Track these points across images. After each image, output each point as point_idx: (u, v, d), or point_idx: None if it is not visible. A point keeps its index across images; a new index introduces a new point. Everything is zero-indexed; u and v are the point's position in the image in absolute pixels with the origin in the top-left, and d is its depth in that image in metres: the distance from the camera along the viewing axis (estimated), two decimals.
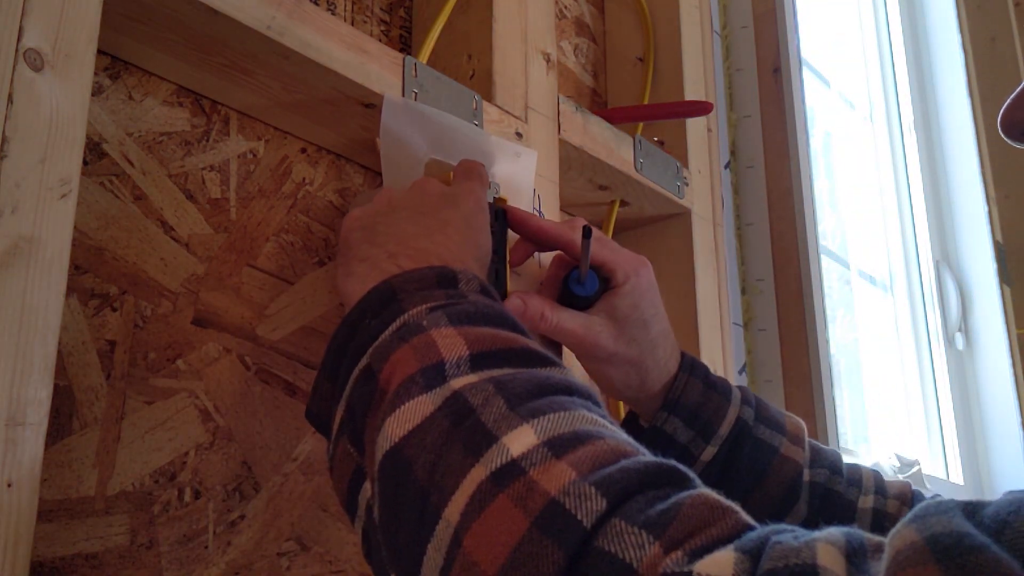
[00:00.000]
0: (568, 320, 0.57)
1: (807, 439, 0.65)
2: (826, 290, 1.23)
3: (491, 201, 0.60)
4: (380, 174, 0.68)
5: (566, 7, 0.94)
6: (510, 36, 0.70)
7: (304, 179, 0.63)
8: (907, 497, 0.65)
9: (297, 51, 0.53)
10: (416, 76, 0.61)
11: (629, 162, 0.81)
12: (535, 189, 0.68)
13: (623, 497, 0.31)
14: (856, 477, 0.65)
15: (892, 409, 1.71)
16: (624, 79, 0.97)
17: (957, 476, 1.69)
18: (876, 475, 0.67)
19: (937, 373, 1.77)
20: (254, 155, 0.60)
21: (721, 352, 0.87)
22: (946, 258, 1.86)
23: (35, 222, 0.39)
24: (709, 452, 0.61)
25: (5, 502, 0.36)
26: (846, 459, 0.68)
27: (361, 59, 0.57)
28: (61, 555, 0.46)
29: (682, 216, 0.88)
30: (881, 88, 1.93)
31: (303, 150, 0.64)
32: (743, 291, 1.19)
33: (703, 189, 0.91)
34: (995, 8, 2.12)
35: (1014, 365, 1.74)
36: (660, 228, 0.89)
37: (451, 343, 0.39)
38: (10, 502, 0.37)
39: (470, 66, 0.69)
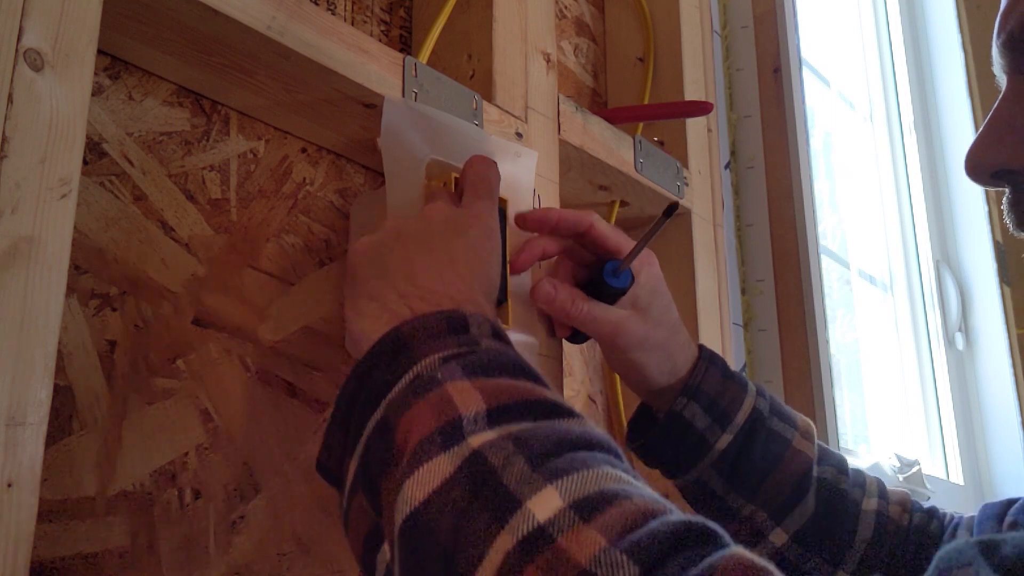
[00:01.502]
0: (598, 308, 0.59)
1: (816, 438, 0.66)
2: (826, 290, 1.23)
3: None
4: (381, 174, 0.68)
5: (566, 7, 0.94)
6: (510, 36, 0.70)
7: (304, 179, 0.63)
8: (907, 504, 0.67)
9: (297, 51, 0.53)
10: (416, 76, 0.61)
11: (629, 162, 0.81)
12: (535, 189, 0.68)
13: (655, 563, 0.30)
14: (860, 480, 0.67)
15: (892, 409, 1.71)
16: (624, 79, 0.97)
17: (957, 476, 1.69)
18: (879, 481, 0.68)
19: (937, 373, 1.77)
20: (254, 155, 0.60)
21: (721, 352, 0.87)
22: (946, 258, 1.86)
23: (35, 222, 0.39)
24: (725, 440, 0.62)
25: (5, 502, 0.36)
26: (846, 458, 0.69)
27: (361, 59, 0.57)
28: (61, 555, 0.46)
29: (682, 216, 0.88)
30: (881, 88, 1.93)
31: (303, 150, 0.63)
32: (743, 291, 1.19)
33: (703, 189, 0.90)
34: (995, 8, 2.11)
35: (1014, 365, 1.74)
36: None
37: (467, 397, 0.38)
38: (10, 502, 0.37)
39: (470, 66, 0.69)
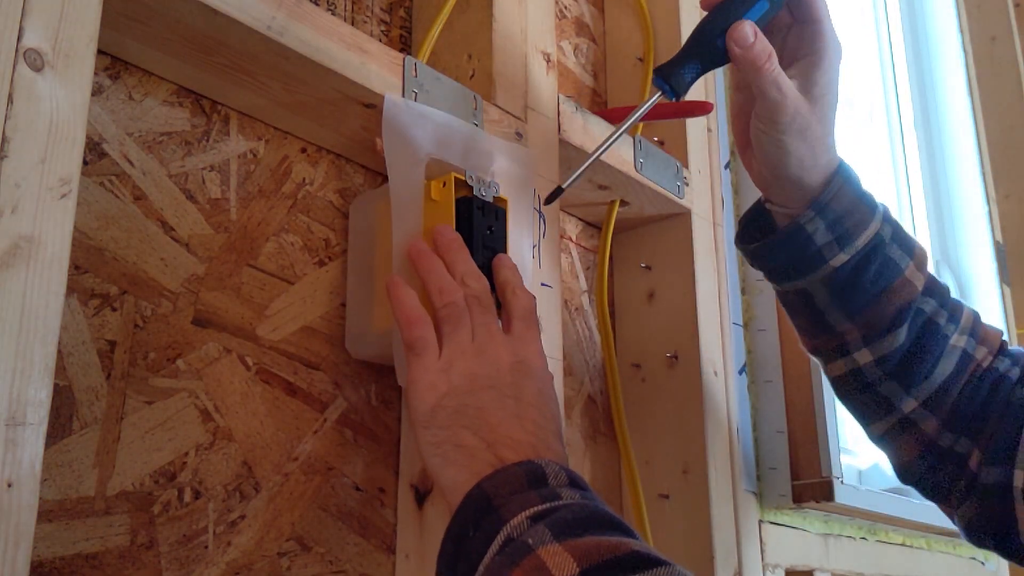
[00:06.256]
0: (784, 76, 0.58)
1: (927, 268, 0.66)
2: None
3: (490, 200, 0.60)
4: (380, 174, 0.68)
5: (566, 7, 0.94)
6: (510, 36, 0.70)
7: (304, 179, 0.63)
8: (995, 347, 0.67)
9: (297, 51, 0.53)
10: (416, 76, 0.61)
11: (629, 162, 0.81)
12: (535, 189, 0.68)
13: None
14: (957, 315, 0.67)
15: None
16: (624, 79, 0.97)
17: None
18: (975, 317, 0.68)
19: None
20: (254, 155, 0.60)
21: (721, 352, 0.88)
22: (946, 258, 1.86)
23: (35, 222, 0.39)
24: (841, 259, 0.62)
25: (5, 502, 0.36)
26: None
27: (361, 59, 0.57)
28: (61, 555, 0.46)
29: (682, 216, 0.88)
30: (881, 88, 1.93)
31: (303, 150, 0.64)
32: (743, 291, 1.18)
33: (703, 189, 0.90)
34: (995, 8, 2.12)
35: None
36: (660, 228, 0.89)
37: (560, 562, 0.39)
38: (10, 502, 0.37)
39: (470, 66, 0.69)
